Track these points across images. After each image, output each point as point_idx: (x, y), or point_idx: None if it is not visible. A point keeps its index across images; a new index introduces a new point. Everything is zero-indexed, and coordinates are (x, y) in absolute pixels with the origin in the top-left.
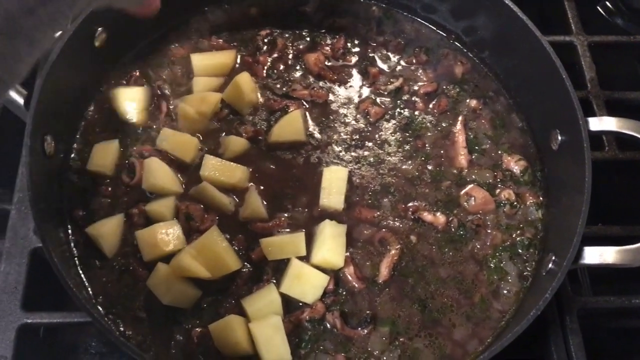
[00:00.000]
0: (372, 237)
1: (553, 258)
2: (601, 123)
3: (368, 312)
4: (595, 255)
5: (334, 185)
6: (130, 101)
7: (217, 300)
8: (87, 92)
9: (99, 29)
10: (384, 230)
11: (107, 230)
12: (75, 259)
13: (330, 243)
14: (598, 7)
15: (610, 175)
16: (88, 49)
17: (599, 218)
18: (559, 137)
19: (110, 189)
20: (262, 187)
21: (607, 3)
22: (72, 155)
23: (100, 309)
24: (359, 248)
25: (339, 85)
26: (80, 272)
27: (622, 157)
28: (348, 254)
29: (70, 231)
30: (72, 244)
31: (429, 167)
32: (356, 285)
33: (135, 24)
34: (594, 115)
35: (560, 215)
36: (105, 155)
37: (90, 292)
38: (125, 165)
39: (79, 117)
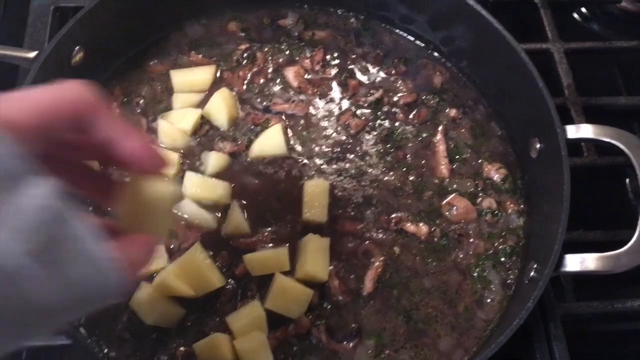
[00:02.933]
0: (356, 250)
1: (535, 266)
2: (578, 131)
3: (353, 325)
4: (576, 262)
5: (315, 198)
6: None
7: (202, 318)
8: None
9: (77, 47)
10: (367, 242)
11: None
12: None
13: (314, 257)
14: (574, 14)
15: (590, 180)
16: (66, 68)
17: (581, 224)
18: (538, 145)
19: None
20: (244, 203)
21: (583, 9)
22: None
23: (83, 331)
24: (343, 261)
25: (319, 98)
26: None
27: (601, 163)
28: (332, 267)
29: None
30: None
31: (411, 178)
32: (341, 298)
33: (113, 42)
34: (572, 121)
35: (542, 222)
36: None
37: None
38: None
39: None
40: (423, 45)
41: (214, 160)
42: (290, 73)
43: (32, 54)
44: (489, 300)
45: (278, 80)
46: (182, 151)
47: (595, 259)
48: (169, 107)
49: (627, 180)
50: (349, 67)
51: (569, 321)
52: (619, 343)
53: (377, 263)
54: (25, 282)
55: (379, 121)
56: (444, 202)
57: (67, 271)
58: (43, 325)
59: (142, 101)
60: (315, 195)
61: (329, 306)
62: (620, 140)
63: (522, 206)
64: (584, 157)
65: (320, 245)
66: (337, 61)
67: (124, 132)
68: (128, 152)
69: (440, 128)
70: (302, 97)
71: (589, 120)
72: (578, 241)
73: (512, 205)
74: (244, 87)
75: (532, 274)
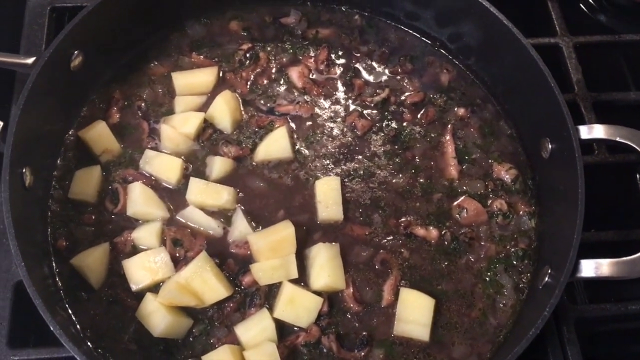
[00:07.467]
0: (372, 259)
1: (549, 271)
2: (591, 131)
3: (364, 333)
4: (591, 268)
5: (329, 196)
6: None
7: (209, 328)
8: (66, 117)
9: (75, 51)
10: (382, 251)
11: (93, 260)
12: (61, 292)
13: (329, 267)
14: (581, 5)
15: (600, 179)
16: (65, 73)
17: (592, 223)
18: (550, 146)
19: (94, 217)
20: (250, 208)
21: (590, 0)
22: (53, 184)
23: (89, 344)
24: (359, 270)
25: (325, 99)
26: (67, 305)
27: (612, 160)
28: (346, 275)
29: (54, 263)
30: (57, 277)
31: (420, 180)
32: (352, 306)
33: (112, 44)
34: (582, 118)
35: (554, 224)
36: (87, 182)
37: (78, 327)
38: (108, 192)
39: (59, 143)
40: (429, 42)
41: (219, 165)
42: (294, 73)
43: (30, 60)
44: (501, 305)
45: (282, 81)
46: (185, 156)
47: (610, 264)
48: (170, 111)
49: (638, 176)
50: (354, 66)
51: (581, 323)
52: (630, 342)
53: (395, 273)
54: None
55: (386, 122)
56: (454, 204)
57: None
58: None
59: (143, 105)
60: (328, 193)
61: (339, 314)
62: (634, 140)
63: (533, 207)
64: (595, 155)
65: (331, 253)
66: (342, 60)
67: None
68: None
69: (448, 128)
70: (306, 97)
71: (599, 115)
72: (591, 241)
73: (523, 206)
74: (247, 88)
75: (546, 279)
